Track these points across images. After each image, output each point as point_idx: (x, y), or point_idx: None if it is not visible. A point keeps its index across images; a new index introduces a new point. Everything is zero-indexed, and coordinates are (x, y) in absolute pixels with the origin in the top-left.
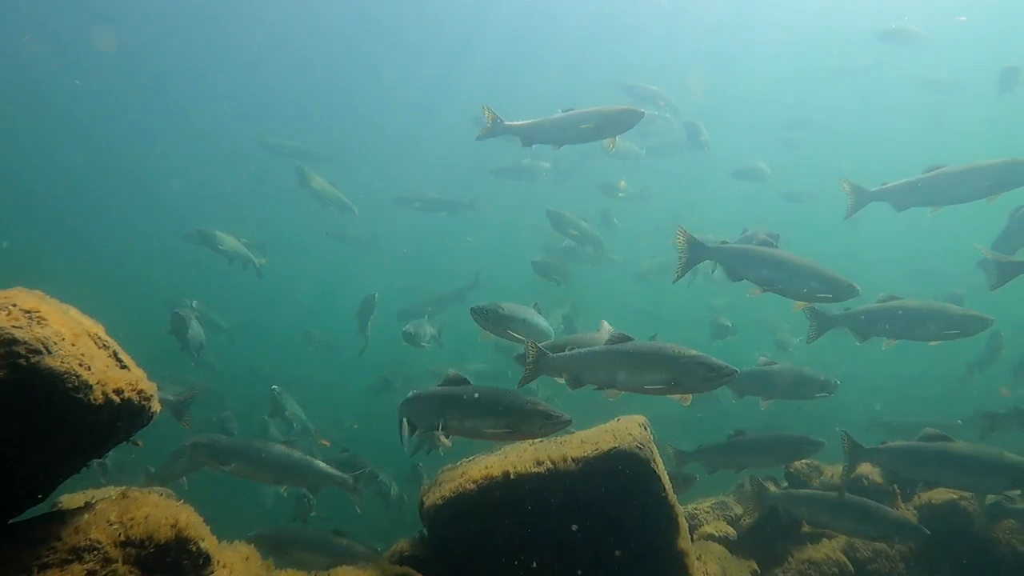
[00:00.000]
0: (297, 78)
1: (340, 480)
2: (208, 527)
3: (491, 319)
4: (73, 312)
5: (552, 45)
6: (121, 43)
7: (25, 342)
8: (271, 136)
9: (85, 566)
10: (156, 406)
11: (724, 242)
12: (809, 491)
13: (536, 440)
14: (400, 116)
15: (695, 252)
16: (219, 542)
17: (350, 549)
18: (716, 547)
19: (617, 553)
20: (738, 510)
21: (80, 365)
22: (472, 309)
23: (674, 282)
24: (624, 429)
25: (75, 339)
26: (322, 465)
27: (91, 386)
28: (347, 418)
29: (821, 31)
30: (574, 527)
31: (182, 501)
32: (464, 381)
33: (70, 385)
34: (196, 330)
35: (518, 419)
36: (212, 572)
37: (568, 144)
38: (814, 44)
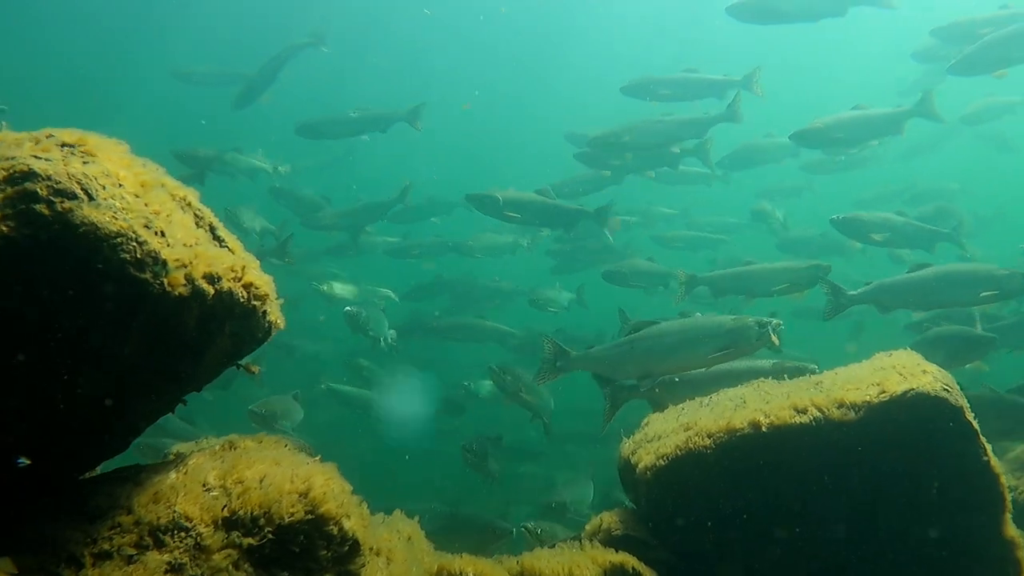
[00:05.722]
0: None
1: None
2: (356, 497)
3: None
4: (151, 165)
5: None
6: None
7: (49, 179)
8: None
9: (165, 556)
10: (276, 314)
11: None
12: None
13: (768, 379)
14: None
15: None
16: (371, 515)
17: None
18: None
19: (918, 541)
20: None
21: (146, 227)
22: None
23: None
24: (912, 364)
25: (142, 191)
26: None
27: (164, 262)
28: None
29: None
30: (851, 500)
31: (318, 457)
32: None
33: (126, 256)
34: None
35: (732, 337)
36: (363, 565)
37: None
38: None
